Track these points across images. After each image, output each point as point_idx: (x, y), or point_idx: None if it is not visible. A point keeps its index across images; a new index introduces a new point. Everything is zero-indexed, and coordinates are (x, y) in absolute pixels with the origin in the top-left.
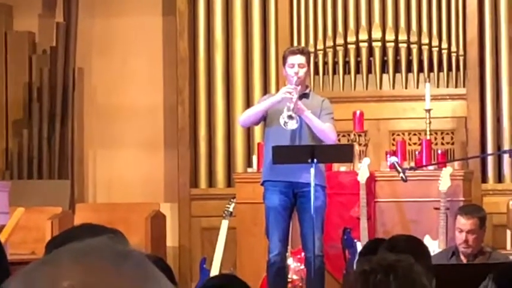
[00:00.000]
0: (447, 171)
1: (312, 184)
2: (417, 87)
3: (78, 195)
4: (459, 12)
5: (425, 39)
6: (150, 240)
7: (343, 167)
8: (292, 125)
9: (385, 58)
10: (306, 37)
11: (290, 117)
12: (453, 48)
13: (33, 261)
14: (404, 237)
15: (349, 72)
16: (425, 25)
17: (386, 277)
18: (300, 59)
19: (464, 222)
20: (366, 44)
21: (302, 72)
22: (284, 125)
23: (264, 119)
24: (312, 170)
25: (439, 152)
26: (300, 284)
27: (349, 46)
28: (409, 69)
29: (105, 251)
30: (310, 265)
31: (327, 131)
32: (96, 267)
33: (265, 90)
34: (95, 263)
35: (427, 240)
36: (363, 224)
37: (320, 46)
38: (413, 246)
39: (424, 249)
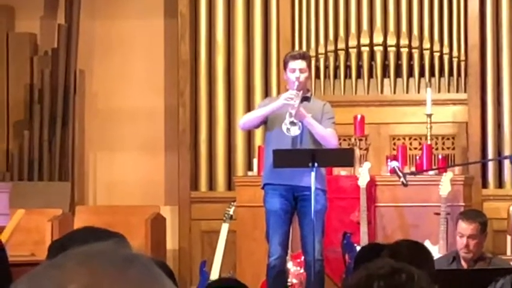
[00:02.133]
0: (448, 176)
1: (313, 188)
2: (418, 92)
3: (78, 197)
4: (461, 17)
5: (426, 44)
6: (150, 243)
7: (343, 171)
8: (295, 131)
9: (387, 62)
10: (307, 41)
11: (292, 123)
12: (454, 53)
13: (40, 265)
14: (407, 243)
15: (350, 77)
16: (426, 30)
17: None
18: (301, 63)
19: (465, 227)
20: (367, 48)
21: (303, 77)
22: (287, 131)
23: (265, 122)
24: (313, 174)
25: (440, 157)
26: None
27: (351, 50)
28: (410, 73)
29: (112, 255)
30: (310, 269)
31: (328, 137)
32: (102, 271)
33: (266, 93)
34: (101, 267)
35: (427, 245)
36: (363, 228)
37: (321, 50)
38: (416, 252)
39: (428, 255)
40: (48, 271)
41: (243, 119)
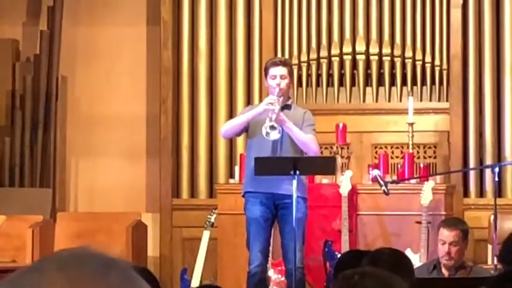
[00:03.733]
0: (429, 185)
1: (294, 196)
2: (400, 101)
3: (59, 203)
4: (443, 26)
5: (409, 53)
6: (131, 250)
7: (325, 180)
8: (275, 135)
9: (369, 71)
10: (289, 48)
11: (272, 127)
12: (437, 62)
13: (19, 269)
14: (388, 250)
15: (333, 85)
16: (409, 38)
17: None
18: (281, 70)
19: (447, 234)
20: (349, 57)
21: (284, 83)
22: (266, 135)
23: (246, 130)
24: (294, 182)
25: (422, 165)
26: None
27: (333, 58)
28: (392, 82)
29: (91, 260)
30: (291, 277)
31: (309, 142)
32: (82, 276)
33: (249, 101)
34: (80, 272)
35: (409, 254)
36: (345, 236)
37: (304, 58)
38: (396, 260)
39: (408, 263)
40: (27, 275)
41: (225, 127)
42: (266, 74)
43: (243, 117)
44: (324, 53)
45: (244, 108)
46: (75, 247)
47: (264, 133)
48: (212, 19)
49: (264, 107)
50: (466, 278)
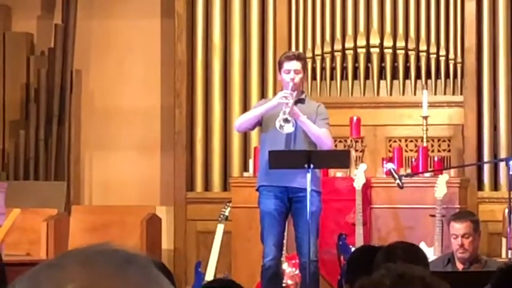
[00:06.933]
0: (443, 178)
1: (308, 189)
2: (414, 94)
3: (74, 197)
4: (457, 19)
5: (423, 46)
6: (146, 243)
7: (339, 173)
8: (289, 128)
9: (383, 64)
10: (304, 42)
11: (286, 120)
12: (451, 55)
13: (39, 264)
14: (403, 244)
15: (347, 78)
16: (423, 32)
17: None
18: (295, 65)
19: (458, 226)
20: (363, 50)
21: (298, 78)
22: (280, 128)
23: (260, 124)
24: (308, 175)
25: (436, 159)
26: None
27: (347, 52)
28: (406, 75)
29: (111, 256)
30: (305, 270)
31: (323, 137)
32: (101, 272)
33: (263, 94)
34: (100, 268)
35: (423, 247)
36: (359, 230)
37: (318, 51)
38: (411, 253)
39: (423, 257)
40: (46, 270)
41: (239, 121)
42: (280, 68)
43: (256, 110)
44: (338, 46)
45: (258, 102)
46: (95, 243)
47: (277, 126)
48: (226, 12)
49: (278, 101)
50: (480, 272)
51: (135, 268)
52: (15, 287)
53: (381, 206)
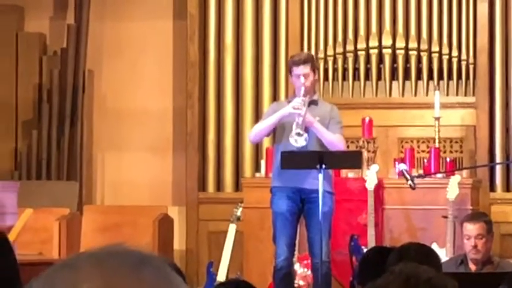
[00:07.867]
0: (455, 179)
1: (320, 190)
2: (427, 95)
3: (86, 197)
4: (470, 20)
5: (435, 47)
6: (158, 243)
7: (351, 174)
8: (301, 141)
9: (395, 65)
10: (316, 43)
11: (298, 134)
12: (463, 56)
13: (54, 264)
14: (415, 245)
15: (359, 79)
16: (435, 33)
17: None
18: (303, 69)
19: (471, 227)
20: (376, 51)
21: (308, 81)
22: (294, 142)
23: (273, 131)
24: (320, 176)
25: (448, 160)
26: None
27: (359, 53)
28: (418, 76)
29: (126, 256)
30: (317, 271)
31: (336, 142)
32: (116, 272)
33: (275, 95)
34: (114, 268)
35: (435, 248)
36: (371, 231)
37: (330, 52)
38: (423, 255)
39: (435, 258)
40: (62, 270)
41: (253, 132)
42: (290, 72)
43: (269, 120)
44: (350, 47)
45: (270, 106)
46: (108, 244)
47: (292, 142)
48: (238, 13)
49: (290, 111)
50: (493, 273)
51: (150, 269)
52: (33, 286)
53: (393, 207)
